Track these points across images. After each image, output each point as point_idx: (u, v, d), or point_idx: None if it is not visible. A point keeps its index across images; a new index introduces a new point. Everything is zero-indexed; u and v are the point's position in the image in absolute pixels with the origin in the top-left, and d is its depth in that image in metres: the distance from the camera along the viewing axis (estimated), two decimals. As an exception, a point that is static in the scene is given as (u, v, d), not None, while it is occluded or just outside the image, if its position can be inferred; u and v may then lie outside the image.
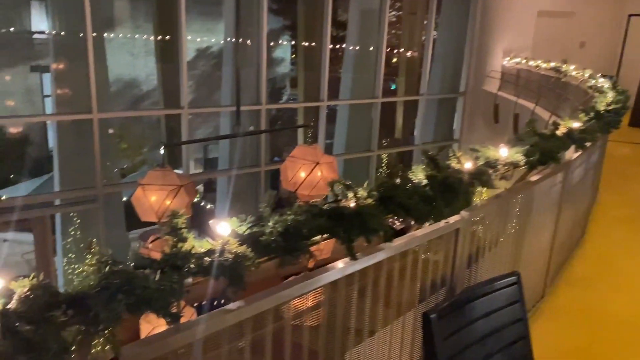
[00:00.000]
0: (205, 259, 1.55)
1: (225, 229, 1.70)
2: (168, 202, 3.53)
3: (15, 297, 1.28)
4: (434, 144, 12.29)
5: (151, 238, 3.45)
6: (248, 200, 9.77)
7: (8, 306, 1.26)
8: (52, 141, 10.58)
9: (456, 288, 2.31)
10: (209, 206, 12.02)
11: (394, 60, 15.21)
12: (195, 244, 1.57)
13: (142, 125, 16.25)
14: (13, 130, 14.85)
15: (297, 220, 1.81)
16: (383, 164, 13.99)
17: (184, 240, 1.58)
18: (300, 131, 14.27)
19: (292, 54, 18.17)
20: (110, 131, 9.15)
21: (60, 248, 8.05)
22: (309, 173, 3.71)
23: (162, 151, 16.12)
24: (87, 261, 7.10)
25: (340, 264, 1.86)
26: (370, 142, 11.02)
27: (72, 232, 7.94)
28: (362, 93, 10.91)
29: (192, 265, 1.52)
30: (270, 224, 1.76)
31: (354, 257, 1.86)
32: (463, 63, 12.01)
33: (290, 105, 17.06)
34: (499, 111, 11.16)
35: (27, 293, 1.27)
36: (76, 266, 7.91)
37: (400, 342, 2.13)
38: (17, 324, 1.23)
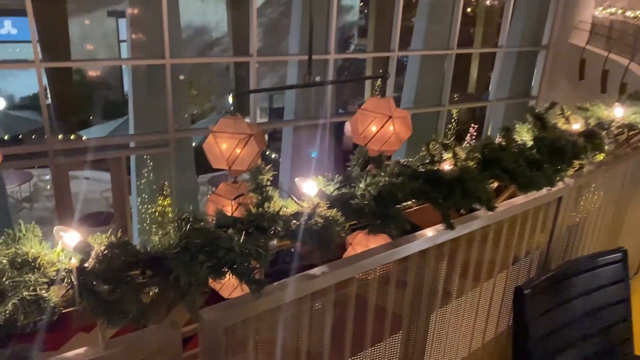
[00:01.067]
0: (293, 221, 1.42)
1: (311, 189, 1.57)
2: (238, 151, 3.55)
3: (93, 254, 1.24)
4: (509, 101, 11.62)
5: (226, 187, 3.47)
6: (310, 154, 9.78)
7: (86, 264, 1.22)
8: (127, 85, 10.97)
9: (551, 262, 2.15)
10: (273, 155, 12.17)
11: (470, 9, 14.31)
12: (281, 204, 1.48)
13: (212, 72, 16.48)
14: (92, 73, 15.55)
15: (393, 183, 1.63)
16: (453, 120, 13.48)
17: (269, 199, 1.46)
18: (367, 83, 13.93)
19: (360, 2, 17.54)
20: (181, 77, 9.31)
21: (134, 188, 8.46)
22: (380, 127, 3.58)
23: (231, 99, 16.37)
24: (159, 202, 7.43)
25: (429, 232, 1.73)
26: (441, 96, 10.57)
27: (145, 174, 8.30)
28: (435, 44, 10.38)
29: (279, 228, 1.40)
30: (361, 185, 1.61)
31: (450, 226, 1.70)
32: (548, 13, 11.07)
33: (359, 55, 16.63)
34: (585, 67, 10.29)
35: (105, 251, 1.23)
36: (149, 207, 8.31)
37: (487, 312, 2.03)
38: (94, 283, 1.19)
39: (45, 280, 1.23)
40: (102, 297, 1.18)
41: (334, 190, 1.63)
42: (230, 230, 1.39)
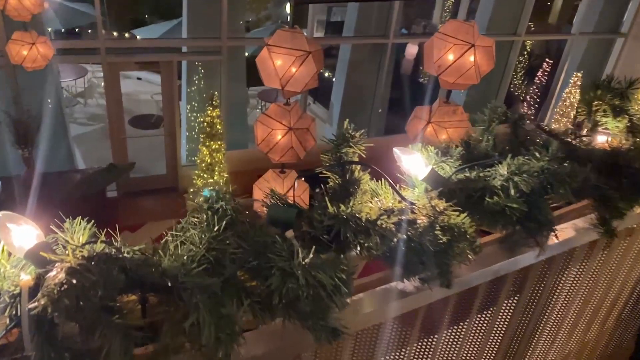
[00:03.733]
0: (391, 228, 0.90)
1: (418, 168, 1.03)
2: (294, 69, 3.18)
3: (60, 272, 0.76)
4: (593, 36, 10.42)
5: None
6: (369, 75, 9.20)
7: (46, 288, 0.75)
8: (183, -16, 10.48)
9: None
10: (327, 74, 11.63)
11: None
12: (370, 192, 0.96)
13: (270, -23, 15.58)
14: (149, -31, 14.98)
15: (555, 171, 1.09)
16: (525, 53, 12.37)
17: (355, 185, 0.96)
18: (437, 3, 12.81)
19: None
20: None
21: (184, 94, 8.29)
22: (459, 56, 3.10)
23: (288, 8, 15.56)
24: (208, 112, 7.22)
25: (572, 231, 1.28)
26: (517, 24, 9.56)
27: (196, 81, 8.07)
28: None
29: (371, 244, 0.90)
30: (503, 171, 1.07)
31: (610, 233, 1.22)
32: None
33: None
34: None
35: (81, 272, 0.75)
36: (198, 115, 8.14)
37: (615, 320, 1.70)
38: (57, 322, 0.76)
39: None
40: (68, 348, 0.74)
41: (454, 174, 1.11)
42: (290, 235, 0.97)
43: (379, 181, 1.04)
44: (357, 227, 0.88)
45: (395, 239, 0.89)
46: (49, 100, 7.48)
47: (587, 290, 1.58)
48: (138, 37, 11.71)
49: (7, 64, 6.15)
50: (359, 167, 1.01)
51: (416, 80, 13.54)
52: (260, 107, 11.46)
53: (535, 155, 1.06)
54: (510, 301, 1.42)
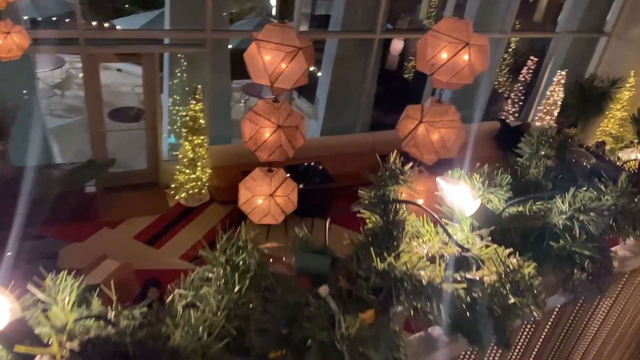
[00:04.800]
0: (460, 294, 0.73)
1: (465, 201, 0.85)
2: (283, 66, 3.07)
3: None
4: (579, 34, 10.48)
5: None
6: (355, 70, 9.10)
7: None
8: (165, -26, 10.21)
9: None
10: (312, 68, 11.49)
11: None
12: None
13: (255, -32, 15.34)
14: (130, -43, 14.59)
15: (627, 209, 0.89)
16: (510, 50, 12.41)
17: (399, 228, 0.75)
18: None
19: None
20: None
21: (166, 87, 8.08)
22: (453, 55, 3.02)
23: (273, 1, 15.33)
24: (191, 106, 7.03)
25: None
26: (504, 22, 9.55)
27: (179, 74, 7.87)
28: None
29: (422, 305, 0.74)
30: (564, 207, 0.84)
31: None
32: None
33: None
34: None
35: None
36: (180, 109, 7.95)
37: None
38: None
39: None
40: None
41: (505, 208, 0.93)
42: (325, 293, 0.80)
43: (420, 218, 0.91)
44: (414, 290, 0.73)
45: (462, 305, 0.73)
46: (25, 92, 7.22)
47: (617, 318, 1.49)
48: (118, 27, 11.40)
49: (-20, 53, 5.90)
50: (404, 206, 0.89)
51: (401, 76, 13.50)
52: (244, 101, 11.29)
53: (602, 189, 0.93)
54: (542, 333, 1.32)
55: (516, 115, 11.64)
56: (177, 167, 7.60)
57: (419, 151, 3.40)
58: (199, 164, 7.49)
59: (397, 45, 13.03)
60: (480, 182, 0.95)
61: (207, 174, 7.71)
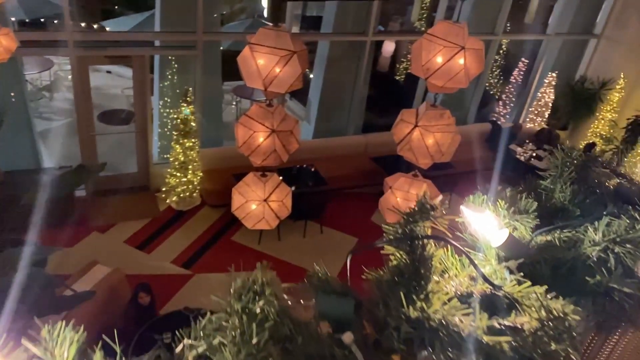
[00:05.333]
0: (502, 347, 0.65)
1: (492, 231, 0.77)
2: (277, 70, 3.03)
3: None
4: (569, 36, 10.54)
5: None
6: (347, 72, 9.07)
7: None
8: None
9: None
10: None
11: None
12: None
13: (245, -32, 15.26)
14: (119, -42, 14.46)
15: None
16: (501, 51, 12.44)
17: (426, 264, 0.68)
18: (416, 1, 12.74)
19: None
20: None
21: (157, 89, 7.99)
22: (448, 59, 3.00)
23: (264, 2, 15.26)
24: (182, 109, 6.97)
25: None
26: (495, 24, 9.58)
27: (169, 76, 7.79)
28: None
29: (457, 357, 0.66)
30: (596, 237, 0.79)
31: None
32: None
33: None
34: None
35: None
36: (170, 111, 7.87)
37: None
38: None
39: None
40: None
41: (534, 239, 0.85)
42: (349, 341, 0.72)
43: (445, 250, 0.84)
44: (451, 341, 0.66)
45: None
46: (12, 94, 7.10)
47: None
48: (107, 28, 11.28)
49: (-34, 56, 5.79)
50: (431, 241, 0.82)
51: (392, 78, 13.49)
52: (235, 103, 11.22)
53: (636, 217, 0.88)
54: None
55: (507, 117, 11.67)
56: (168, 170, 7.53)
57: (414, 155, 3.38)
58: (190, 167, 7.42)
59: (388, 47, 13.03)
60: (505, 208, 0.89)
61: (199, 177, 7.64)
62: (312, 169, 8.29)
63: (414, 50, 3.19)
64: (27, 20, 10.72)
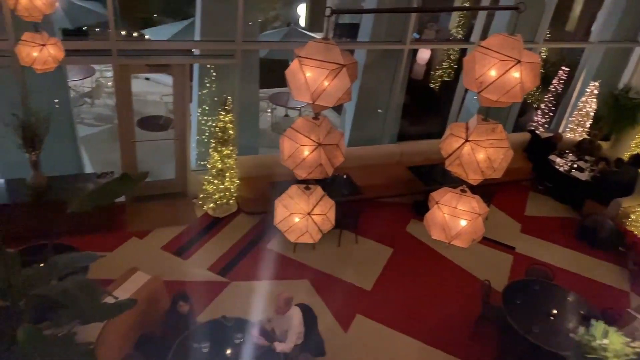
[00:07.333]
0: None
1: None
2: (326, 83, 2.99)
3: None
4: (612, 44, 10.22)
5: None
6: (383, 80, 9.01)
7: None
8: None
9: None
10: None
11: None
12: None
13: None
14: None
15: None
16: (540, 60, 12.15)
17: None
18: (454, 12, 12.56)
19: None
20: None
21: (196, 96, 8.09)
22: (503, 73, 2.90)
23: (299, 10, 15.35)
24: (220, 117, 7.02)
25: None
26: (535, 32, 9.36)
27: (208, 84, 7.88)
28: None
29: None
30: None
31: None
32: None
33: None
34: None
35: None
36: (209, 119, 7.96)
37: None
38: None
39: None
40: None
41: None
42: None
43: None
44: None
45: None
46: (57, 101, 7.29)
47: None
48: (147, 37, 11.51)
49: (16, 65, 5.97)
50: None
51: (427, 86, 13.35)
52: (270, 110, 11.28)
53: None
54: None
55: (546, 126, 11.39)
56: (205, 177, 7.59)
57: (464, 171, 3.29)
58: (227, 174, 7.47)
59: (423, 54, 12.90)
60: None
61: (235, 185, 7.69)
62: (344, 176, 8.26)
63: (466, 63, 3.10)
64: (70, 29, 11.04)
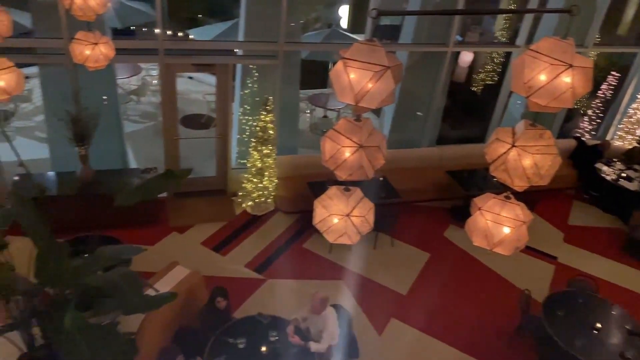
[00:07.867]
0: None
1: None
2: (370, 85, 2.99)
3: None
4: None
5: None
6: (424, 82, 8.91)
7: None
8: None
9: None
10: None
11: None
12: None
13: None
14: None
15: None
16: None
17: None
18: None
19: None
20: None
21: (238, 96, 8.22)
22: (553, 77, 2.83)
23: (340, 11, 15.36)
24: (261, 117, 7.12)
25: None
26: (585, 36, 9.05)
27: (250, 84, 7.99)
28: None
29: None
30: None
31: None
32: None
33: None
34: None
35: None
36: (249, 118, 8.07)
37: None
38: None
39: None
40: None
41: None
42: None
43: None
44: None
45: None
46: (105, 98, 7.56)
47: None
48: (191, 36, 11.77)
49: (69, 63, 6.23)
50: None
51: (469, 89, 13.12)
52: (309, 111, 11.33)
53: None
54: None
55: (593, 133, 10.99)
56: (245, 175, 7.70)
57: (509, 177, 3.22)
58: (266, 173, 7.55)
59: (466, 57, 12.69)
60: None
61: (274, 184, 7.76)
62: (381, 179, 8.20)
63: (514, 66, 3.03)
64: (117, 28, 11.41)
